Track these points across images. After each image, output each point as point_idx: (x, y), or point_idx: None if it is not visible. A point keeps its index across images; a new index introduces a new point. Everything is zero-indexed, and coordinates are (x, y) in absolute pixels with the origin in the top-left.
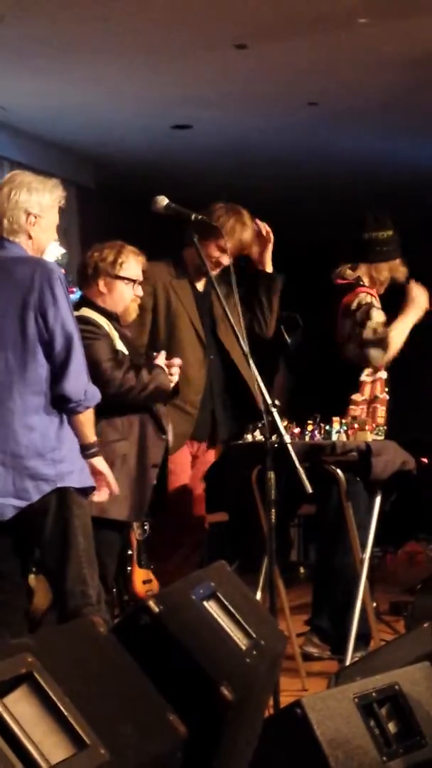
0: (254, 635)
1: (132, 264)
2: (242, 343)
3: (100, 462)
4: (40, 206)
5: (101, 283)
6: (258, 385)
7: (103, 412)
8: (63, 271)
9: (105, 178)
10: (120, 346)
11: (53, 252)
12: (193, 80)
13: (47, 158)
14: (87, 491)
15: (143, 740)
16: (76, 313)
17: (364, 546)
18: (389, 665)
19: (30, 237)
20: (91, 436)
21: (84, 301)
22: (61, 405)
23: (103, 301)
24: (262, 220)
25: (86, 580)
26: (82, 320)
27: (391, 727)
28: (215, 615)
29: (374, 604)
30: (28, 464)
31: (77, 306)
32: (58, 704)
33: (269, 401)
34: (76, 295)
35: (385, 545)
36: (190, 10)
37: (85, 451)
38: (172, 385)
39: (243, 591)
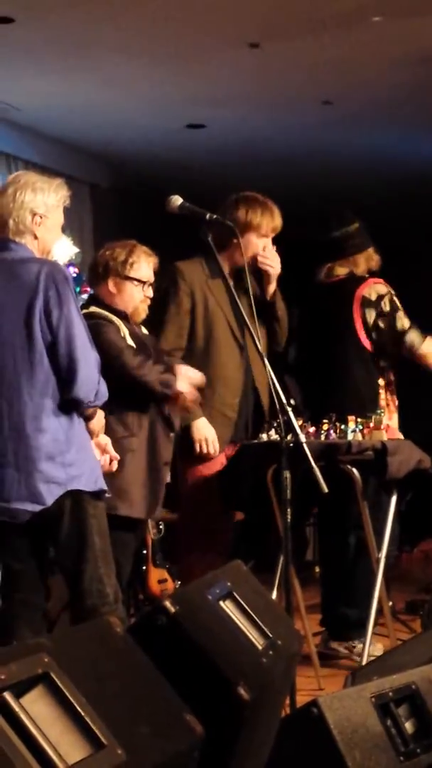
0: (270, 635)
1: (143, 265)
2: (257, 343)
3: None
4: (46, 206)
5: (111, 283)
6: (273, 384)
7: (112, 407)
8: (76, 270)
9: (118, 177)
10: (130, 342)
11: (67, 251)
12: (206, 79)
13: (61, 158)
14: (98, 494)
15: (160, 740)
16: (84, 311)
17: (380, 545)
18: (406, 665)
19: (36, 237)
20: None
21: (93, 300)
22: (73, 408)
23: (112, 301)
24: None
25: (103, 580)
26: (89, 316)
27: (409, 726)
28: (231, 615)
29: (390, 603)
30: (41, 467)
31: (86, 304)
32: (75, 704)
33: (284, 400)
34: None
35: (401, 544)
36: (204, 10)
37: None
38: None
39: (259, 590)
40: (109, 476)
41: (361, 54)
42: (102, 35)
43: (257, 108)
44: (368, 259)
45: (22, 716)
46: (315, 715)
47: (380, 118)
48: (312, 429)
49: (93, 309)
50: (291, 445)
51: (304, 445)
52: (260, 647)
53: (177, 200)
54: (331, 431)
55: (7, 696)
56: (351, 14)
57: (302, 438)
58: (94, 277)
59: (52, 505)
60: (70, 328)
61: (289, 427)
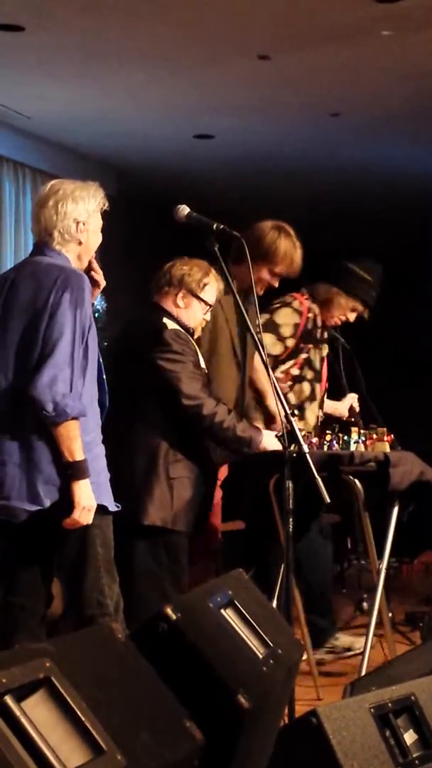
0: (271, 643)
1: (212, 289)
2: (263, 354)
3: (79, 487)
4: (87, 213)
5: (180, 295)
6: (278, 395)
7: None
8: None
9: (127, 186)
10: (202, 363)
11: None
12: (215, 90)
13: (69, 166)
14: (104, 509)
15: (160, 747)
16: (169, 329)
17: (381, 556)
18: (405, 676)
19: (80, 243)
20: (72, 455)
21: (164, 312)
22: (35, 412)
23: (179, 314)
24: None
25: (103, 590)
26: (175, 335)
27: (407, 737)
28: (232, 623)
29: (390, 615)
30: (42, 467)
31: (155, 313)
32: (76, 710)
33: (288, 411)
34: (97, 300)
35: (401, 556)
36: (213, 21)
37: (66, 470)
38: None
39: (260, 599)
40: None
41: (370, 67)
42: (111, 45)
43: (265, 119)
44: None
45: (23, 720)
46: (314, 725)
47: (388, 130)
48: (315, 440)
49: (174, 327)
50: (294, 455)
51: (308, 456)
52: (261, 656)
53: (185, 210)
54: (334, 442)
55: (8, 700)
56: (359, 27)
57: (305, 448)
58: (161, 287)
59: (51, 508)
60: (60, 336)
61: (293, 438)
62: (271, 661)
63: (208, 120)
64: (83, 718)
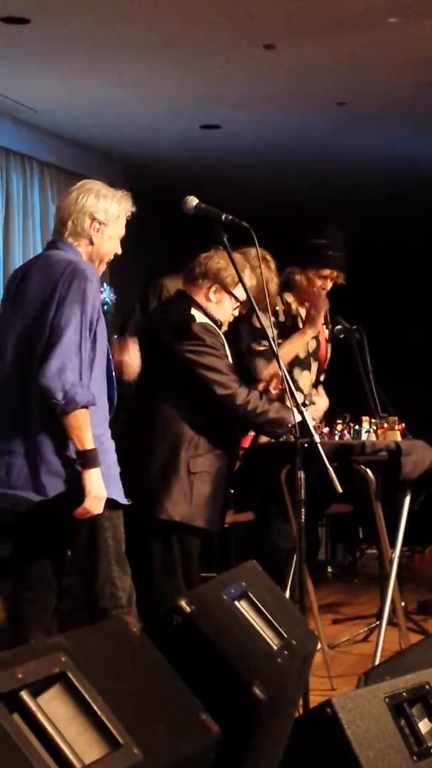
0: (285, 635)
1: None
2: (275, 345)
3: (90, 476)
4: (106, 213)
5: (213, 289)
6: (289, 385)
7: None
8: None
9: (133, 177)
10: (229, 356)
11: None
12: (221, 80)
13: (75, 158)
14: (113, 503)
15: (176, 740)
16: (199, 319)
17: (393, 545)
18: (419, 665)
19: (91, 243)
20: (82, 444)
21: (193, 302)
22: (44, 401)
23: (208, 307)
24: (291, 220)
25: (115, 582)
26: (203, 328)
27: (422, 726)
28: (246, 615)
29: (403, 603)
30: (47, 459)
31: (184, 303)
32: (92, 704)
33: (299, 401)
34: (104, 293)
35: (413, 545)
36: (219, 11)
37: (74, 461)
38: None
39: (274, 590)
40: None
41: (376, 55)
42: (117, 36)
43: (272, 109)
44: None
45: (39, 715)
46: (329, 715)
47: (394, 119)
48: (326, 429)
49: (203, 320)
50: (306, 445)
51: (319, 446)
52: (275, 647)
53: (193, 201)
54: (345, 431)
55: (24, 695)
56: (366, 15)
57: (317, 438)
58: (195, 278)
59: (57, 499)
60: (65, 319)
61: (304, 428)
62: (286, 652)
63: (214, 110)
64: (99, 712)
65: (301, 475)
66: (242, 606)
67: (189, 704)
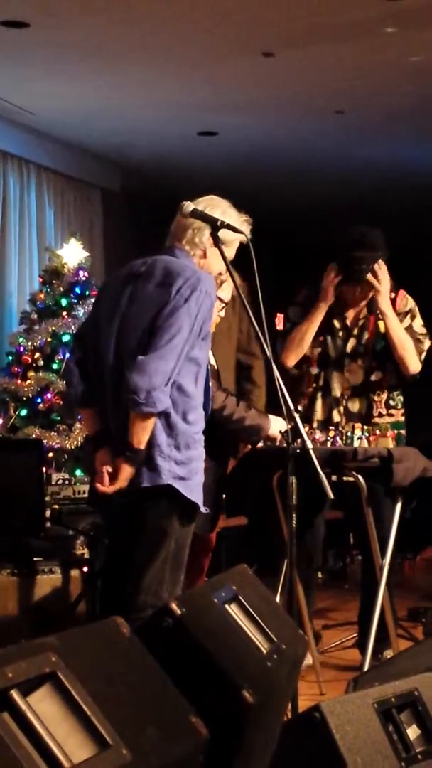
0: (275, 639)
1: (229, 287)
2: (268, 350)
3: (126, 467)
4: (225, 233)
5: None
6: (282, 391)
7: None
8: (86, 274)
9: (130, 182)
10: (212, 360)
11: (76, 255)
12: (219, 87)
13: (73, 162)
14: (193, 505)
15: (165, 742)
16: None
17: (384, 552)
18: (408, 671)
19: (205, 256)
20: (140, 444)
21: None
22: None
23: None
24: (286, 228)
25: (163, 583)
26: None
27: (411, 732)
28: (237, 618)
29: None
30: (151, 453)
31: None
32: (81, 704)
33: (291, 407)
34: None
35: (404, 551)
36: (218, 18)
37: (126, 451)
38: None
39: (264, 595)
40: None
41: (374, 64)
42: (116, 41)
43: (269, 116)
44: None
45: (29, 714)
46: (317, 720)
47: (392, 127)
48: (318, 436)
49: None
50: (298, 451)
51: (311, 452)
52: (265, 651)
53: (189, 206)
54: (337, 438)
55: (14, 694)
56: (364, 24)
57: (309, 445)
58: None
59: (145, 490)
60: (176, 332)
61: (296, 434)
62: (275, 656)
63: (212, 117)
64: (89, 713)
65: (293, 480)
66: (233, 609)
67: (178, 706)
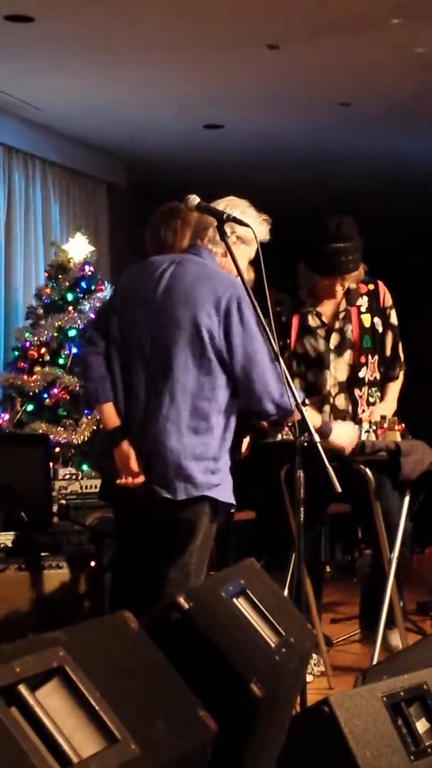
0: (283, 633)
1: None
2: (274, 344)
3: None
4: (246, 232)
5: None
6: (289, 384)
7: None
8: (92, 269)
9: (136, 176)
10: None
11: (82, 250)
12: (225, 80)
13: (78, 156)
14: (226, 506)
15: (173, 736)
16: None
17: (392, 546)
18: (417, 665)
19: (225, 254)
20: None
21: None
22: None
23: None
24: (293, 220)
25: (190, 576)
26: None
27: (420, 726)
28: (245, 612)
29: (401, 604)
30: (183, 464)
31: None
32: (89, 698)
33: (299, 400)
34: (106, 291)
35: (412, 545)
36: (223, 11)
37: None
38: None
39: (272, 588)
40: None
41: (380, 56)
42: (121, 35)
43: (275, 109)
44: None
45: (37, 709)
46: (326, 714)
47: (397, 120)
48: None
49: None
50: (305, 444)
51: (319, 445)
52: (273, 645)
53: (194, 200)
54: None
55: (22, 689)
56: (370, 16)
57: (316, 438)
58: None
59: (183, 502)
60: (248, 345)
61: (304, 427)
62: (284, 650)
63: (217, 110)
64: (97, 707)
65: (301, 474)
66: (241, 603)
67: (186, 700)
